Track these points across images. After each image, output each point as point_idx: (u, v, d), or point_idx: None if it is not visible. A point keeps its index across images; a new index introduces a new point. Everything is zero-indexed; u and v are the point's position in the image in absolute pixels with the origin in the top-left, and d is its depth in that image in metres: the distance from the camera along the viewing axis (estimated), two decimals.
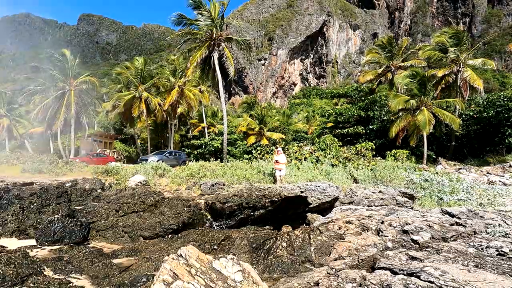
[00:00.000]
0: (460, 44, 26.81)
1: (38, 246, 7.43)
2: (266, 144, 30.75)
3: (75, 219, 8.23)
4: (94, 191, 12.59)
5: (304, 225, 8.50)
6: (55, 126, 34.60)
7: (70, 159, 25.67)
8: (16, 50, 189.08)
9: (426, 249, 4.81)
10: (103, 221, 8.65)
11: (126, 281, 5.35)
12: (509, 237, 5.32)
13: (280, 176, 13.32)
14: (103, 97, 47.12)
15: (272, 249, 5.92)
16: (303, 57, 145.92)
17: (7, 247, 6.81)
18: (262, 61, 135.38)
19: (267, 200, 8.34)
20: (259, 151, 22.55)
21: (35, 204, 9.56)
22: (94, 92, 38.95)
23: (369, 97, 34.78)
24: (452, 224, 6.24)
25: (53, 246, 7.40)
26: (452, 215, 6.90)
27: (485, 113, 26.75)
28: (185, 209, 8.81)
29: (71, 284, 5.22)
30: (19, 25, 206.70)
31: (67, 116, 34.16)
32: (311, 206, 9.10)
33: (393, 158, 21.10)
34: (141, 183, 14.51)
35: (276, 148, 16.19)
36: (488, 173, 16.88)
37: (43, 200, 9.85)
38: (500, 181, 14.31)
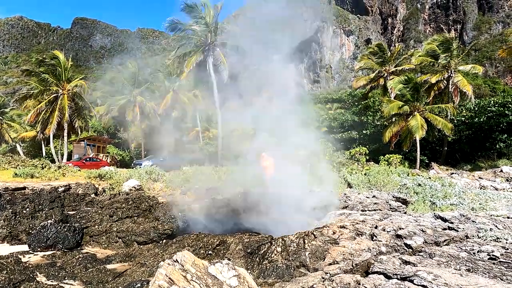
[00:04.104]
0: (450, 51, 27.24)
1: (30, 251, 7.34)
2: None
3: (68, 224, 8.16)
4: (87, 196, 12.49)
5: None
6: (47, 130, 34.23)
7: (63, 164, 25.41)
8: (9, 53, 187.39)
9: (419, 254, 4.87)
10: (96, 226, 8.58)
11: (120, 287, 5.32)
12: (500, 241, 5.40)
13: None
14: (96, 101, 46.86)
15: (267, 254, 5.93)
16: (297, 62, 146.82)
17: None
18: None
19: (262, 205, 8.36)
20: None
21: (27, 209, 9.45)
22: (87, 96, 38.73)
23: (362, 102, 35.10)
24: (444, 229, 6.32)
25: (46, 251, 7.32)
26: (444, 220, 6.98)
27: (476, 119, 27.14)
28: (179, 214, 8.79)
29: None
30: (12, 28, 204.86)
31: (60, 120, 33.82)
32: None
33: (387, 163, 21.29)
34: (135, 187, 14.42)
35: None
36: (479, 177, 17.06)
37: (36, 205, 9.75)
38: (491, 185, 14.48)
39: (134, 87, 37.10)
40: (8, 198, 10.40)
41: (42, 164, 21.48)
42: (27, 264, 6.22)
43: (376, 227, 6.37)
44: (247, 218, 8.54)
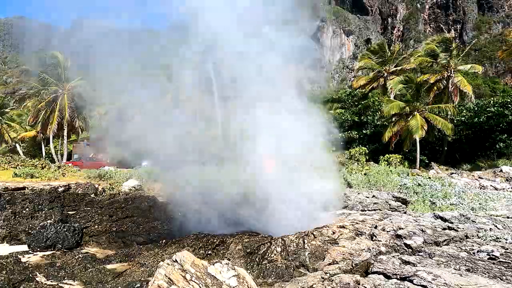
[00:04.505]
0: (450, 50, 27.24)
1: (30, 251, 7.34)
2: None
3: (68, 224, 8.16)
4: (87, 196, 12.48)
5: None
6: (48, 130, 34.23)
7: (62, 163, 25.41)
8: (9, 53, 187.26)
9: (419, 254, 4.87)
10: (96, 226, 8.59)
11: (120, 287, 5.31)
12: (500, 241, 5.40)
13: None
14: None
15: (267, 254, 5.93)
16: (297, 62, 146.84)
17: None
18: None
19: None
20: None
21: (27, 209, 9.46)
22: (87, 96, 38.68)
23: (362, 102, 35.07)
24: (444, 229, 6.32)
25: (45, 251, 7.32)
26: (444, 220, 6.98)
27: (476, 119, 27.12)
28: (179, 213, 8.79)
29: None
30: (12, 28, 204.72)
31: (60, 120, 33.83)
32: None
33: (386, 162, 21.27)
34: (134, 187, 14.41)
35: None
36: (479, 177, 17.05)
37: (35, 205, 9.76)
38: (491, 185, 14.48)
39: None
40: (8, 198, 10.40)
41: (42, 164, 21.47)
42: (27, 264, 6.22)
43: (375, 227, 6.36)
44: (247, 218, 8.53)
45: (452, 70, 27.01)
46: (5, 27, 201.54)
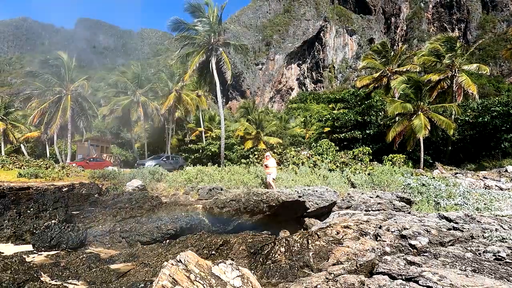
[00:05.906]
0: (454, 50, 27.07)
1: (34, 251, 7.38)
2: (263, 149, 30.79)
3: (72, 224, 8.20)
4: (91, 196, 12.53)
5: (302, 230, 8.51)
6: (51, 131, 34.42)
7: (66, 164, 25.52)
8: (13, 54, 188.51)
9: (424, 254, 4.83)
10: (100, 226, 8.61)
11: (123, 287, 5.32)
12: (506, 242, 5.35)
13: (273, 179, 13.36)
14: (100, 101, 47.05)
15: (271, 254, 5.91)
16: (300, 62, 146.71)
17: (3, 253, 6.77)
18: (260, 66, 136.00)
19: (265, 205, 8.35)
20: (256, 156, 22.54)
21: (31, 209, 9.51)
22: (90, 97, 38.94)
23: (365, 102, 34.94)
24: (449, 229, 6.27)
25: (50, 251, 7.35)
26: (449, 220, 6.93)
27: (481, 118, 26.94)
28: (183, 214, 8.79)
29: None
30: (16, 29, 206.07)
31: (64, 121, 34.00)
32: (309, 211, 9.11)
33: (390, 162, 21.14)
34: (138, 187, 14.45)
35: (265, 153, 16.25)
36: (484, 177, 16.93)
37: (40, 205, 9.80)
38: (496, 185, 14.38)
39: (137, 88, 37.33)
40: (12, 198, 10.46)
41: (46, 164, 21.59)
42: (31, 264, 6.24)
43: (380, 227, 6.33)
44: (250, 218, 8.52)
45: (456, 69, 26.85)
46: (9, 28, 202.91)
